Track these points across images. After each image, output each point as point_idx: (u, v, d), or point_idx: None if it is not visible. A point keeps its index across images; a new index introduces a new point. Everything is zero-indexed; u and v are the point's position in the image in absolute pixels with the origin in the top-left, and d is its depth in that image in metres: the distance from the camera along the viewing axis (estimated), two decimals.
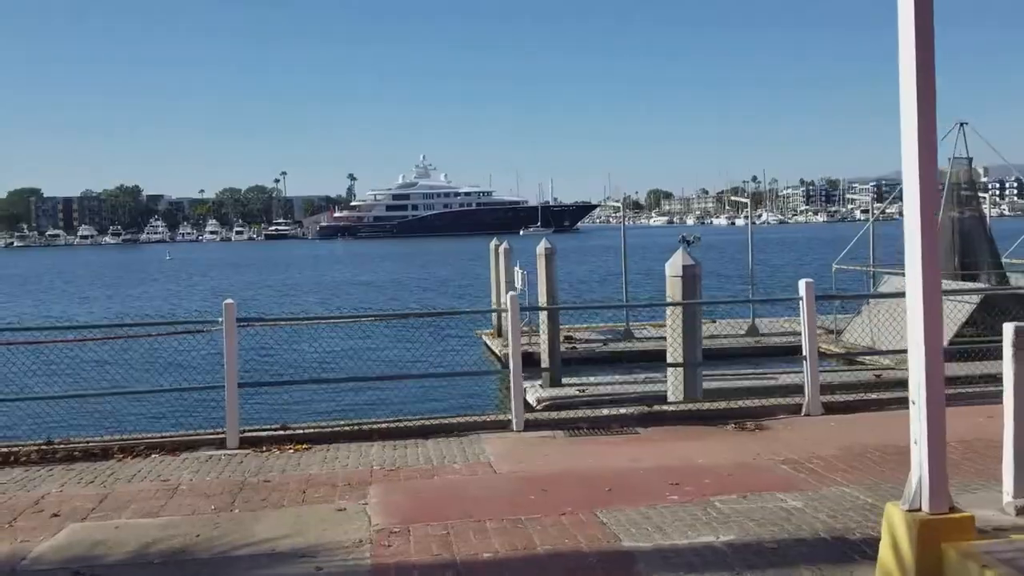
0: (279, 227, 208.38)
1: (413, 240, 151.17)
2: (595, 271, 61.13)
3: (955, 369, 16.32)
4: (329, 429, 8.68)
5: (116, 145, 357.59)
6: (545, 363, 18.86)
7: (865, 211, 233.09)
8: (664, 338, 24.31)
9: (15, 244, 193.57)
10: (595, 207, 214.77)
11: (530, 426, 8.84)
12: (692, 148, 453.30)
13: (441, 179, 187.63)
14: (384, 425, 8.77)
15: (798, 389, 13.31)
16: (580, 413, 8.95)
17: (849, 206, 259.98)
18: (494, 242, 27.82)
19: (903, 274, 20.14)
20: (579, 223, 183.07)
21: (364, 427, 8.68)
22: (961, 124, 22.11)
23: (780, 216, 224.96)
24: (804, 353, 8.93)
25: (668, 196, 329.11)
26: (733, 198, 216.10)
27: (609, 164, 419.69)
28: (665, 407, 8.86)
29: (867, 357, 21.26)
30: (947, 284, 20.91)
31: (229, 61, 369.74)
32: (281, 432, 8.65)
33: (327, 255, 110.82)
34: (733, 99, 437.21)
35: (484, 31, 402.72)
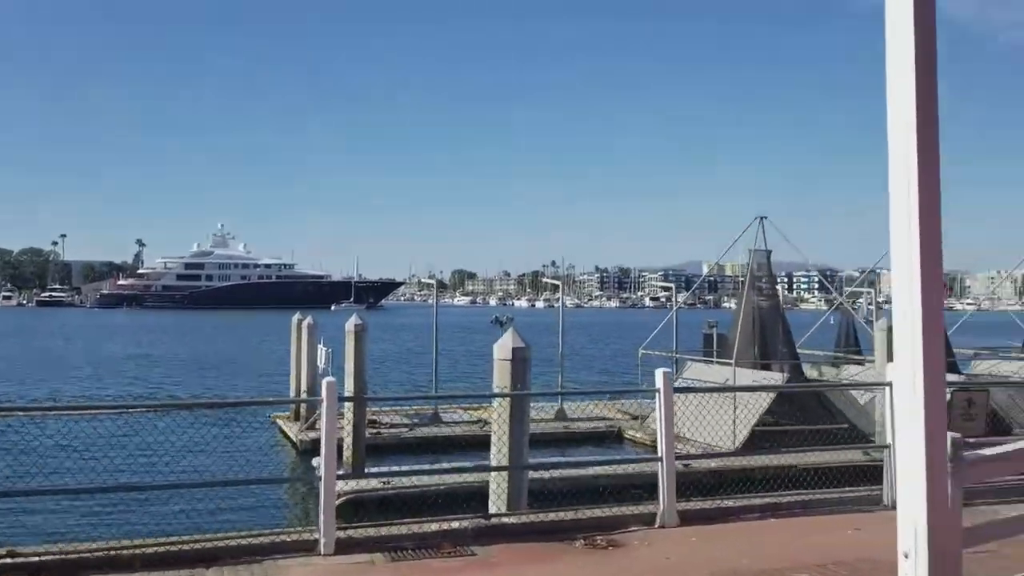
0: (54, 293, 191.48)
1: (206, 312, 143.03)
2: (401, 350, 59.67)
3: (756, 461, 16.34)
4: (75, 555, 6.65)
5: None
6: (348, 451, 17.25)
7: (655, 298, 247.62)
8: (477, 422, 23.57)
9: None
10: (400, 284, 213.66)
11: (342, 547, 7.22)
12: (495, 231, 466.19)
13: (240, 249, 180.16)
14: (151, 549, 6.85)
15: (624, 481, 12.41)
16: (404, 529, 7.39)
17: (639, 293, 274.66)
18: (296, 317, 25.90)
19: (705, 361, 19.90)
20: (384, 300, 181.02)
21: (123, 552, 6.73)
22: (761, 218, 22.98)
23: (577, 300, 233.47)
24: (660, 454, 7.96)
25: (472, 276, 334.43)
26: (544, 279, 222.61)
27: (414, 243, 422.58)
28: (505, 519, 7.51)
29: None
30: (764, 374, 21.35)
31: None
32: (7, 560, 6.58)
33: (105, 325, 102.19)
34: (536, 185, 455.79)
35: (297, 104, 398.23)
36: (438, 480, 16.50)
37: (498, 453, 8.98)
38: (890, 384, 8.14)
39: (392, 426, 22.99)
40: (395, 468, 17.31)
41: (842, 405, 21.15)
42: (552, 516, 7.78)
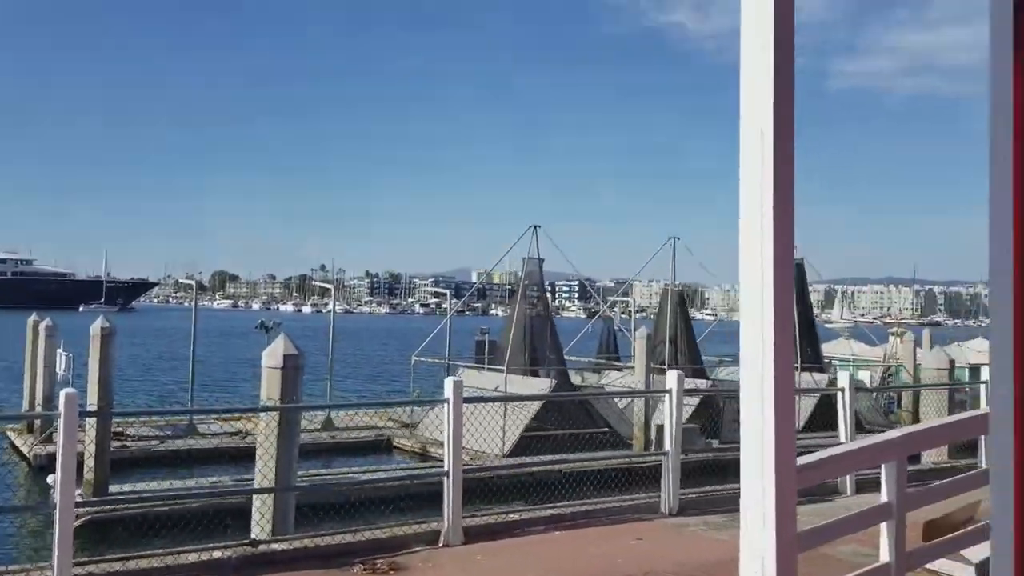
0: None
1: None
2: (153, 356, 55.68)
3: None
4: None
5: None
6: (89, 467, 15.60)
7: (425, 305, 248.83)
8: (236, 433, 22.24)
9: None
10: (154, 285, 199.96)
11: None
12: (259, 232, 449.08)
13: None
14: None
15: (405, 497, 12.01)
16: (156, 561, 6.39)
17: (410, 299, 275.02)
18: (32, 318, 23.25)
19: (477, 367, 19.94)
20: (136, 302, 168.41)
21: None
22: (535, 227, 23.51)
23: (346, 305, 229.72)
24: (446, 468, 7.44)
25: (234, 279, 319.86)
26: (316, 283, 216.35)
27: (171, 242, 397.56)
28: (275, 546, 6.72)
29: (439, 451, 21.23)
30: (533, 381, 21.73)
31: None
32: None
33: None
34: (297, 188, 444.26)
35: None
36: (190, 499, 15.32)
37: (264, 469, 8.16)
38: (669, 392, 8.29)
39: (141, 438, 21.19)
40: (142, 486, 15.93)
41: (603, 410, 22.06)
42: (327, 540, 7.07)
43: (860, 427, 24.90)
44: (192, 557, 6.46)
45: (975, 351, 29.45)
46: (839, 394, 10.80)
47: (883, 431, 25.46)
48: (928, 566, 4.39)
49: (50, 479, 16.05)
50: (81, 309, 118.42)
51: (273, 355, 8.43)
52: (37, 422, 21.54)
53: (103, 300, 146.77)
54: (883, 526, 3.86)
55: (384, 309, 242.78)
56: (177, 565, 6.41)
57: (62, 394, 6.26)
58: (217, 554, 6.49)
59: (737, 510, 7.57)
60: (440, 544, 7.36)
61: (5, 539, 14.22)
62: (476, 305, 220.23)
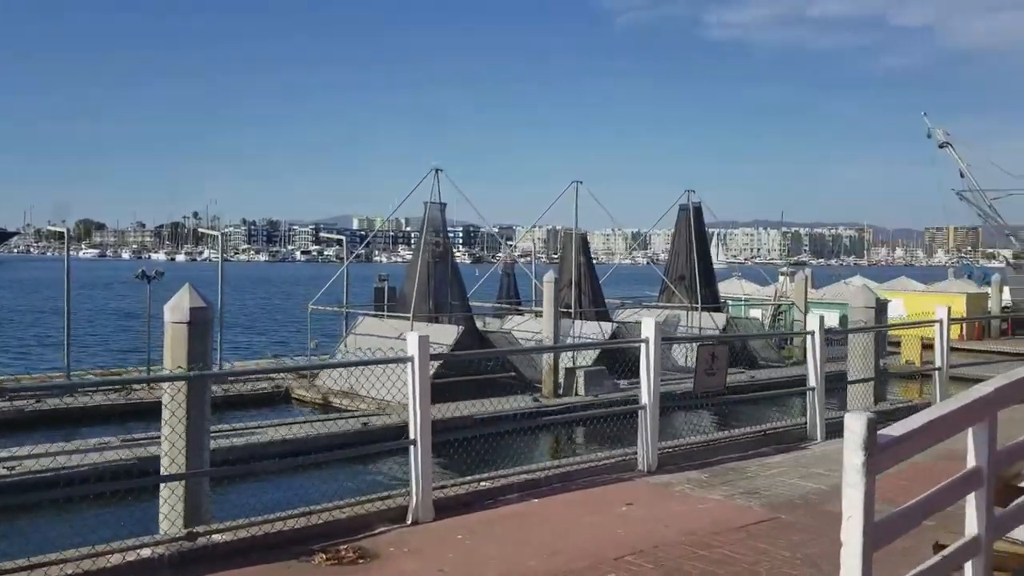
0: None
1: None
2: (18, 308, 51.95)
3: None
4: None
5: None
6: None
7: (305, 252, 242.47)
8: (120, 390, 20.65)
9: None
10: (13, 235, 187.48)
11: None
12: (129, 179, 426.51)
13: None
14: None
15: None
16: (69, 568, 5.12)
17: (290, 247, 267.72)
18: None
19: (378, 315, 18.89)
20: None
21: None
22: (436, 171, 22.55)
23: (224, 254, 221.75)
24: (412, 436, 6.44)
25: (101, 228, 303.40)
26: (202, 230, 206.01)
27: (30, 188, 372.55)
28: (216, 537, 5.55)
29: (343, 402, 20.35)
30: (438, 327, 20.89)
31: None
32: None
33: None
34: (167, 129, 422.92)
35: None
36: (77, 461, 14.01)
37: (172, 452, 6.56)
38: (647, 341, 7.60)
39: (12, 398, 19.39)
40: (14, 451, 14.47)
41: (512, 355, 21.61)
42: (278, 525, 5.95)
43: (754, 363, 25.47)
44: (116, 559, 5.25)
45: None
46: (808, 338, 10.26)
47: (777, 367, 26.00)
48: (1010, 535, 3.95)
49: None
50: None
51: (178, 308, 7.21)
52: None
53: None
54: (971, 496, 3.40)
55: (263, 257, 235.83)
56: (97, 570, 5.13)
57: None
58: (146, 552, 5.36)
59: (715, 464, 7.08)
60: (408, 522, 6.42)
61: None
62: (360, 252, 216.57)
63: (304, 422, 18.06)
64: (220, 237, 26.16)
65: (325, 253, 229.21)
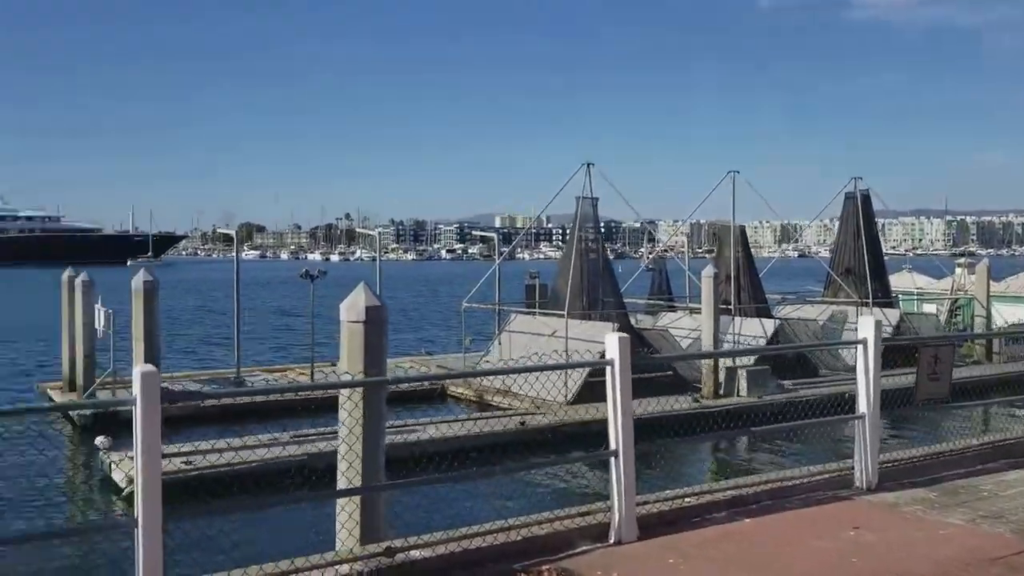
0: None
1: None
2: (190, 308, 55.18)
3: None
4: None
5: None
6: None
7: (450, 250, 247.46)
8: (293, 385, 21.30)
9: None
10: (182, 238, 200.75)
11: None
12: (286, 183, 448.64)
13: None
14: None
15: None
16: (264, 567, 4.97)
17: (436, 245, 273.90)
18: (68, 273, 22.29)
19: (530, 312, 18.19)
20: (164, 255, 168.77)
21: None
22: (588, 165, 22.10)
23: (372, 253, 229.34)
24: (613, 446, 5.85)
25: (261, 230, 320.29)
26: (359, 230, 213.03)
27: (198, 196, 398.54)
28: (414, 553, 5.29)
29: (500, 400, 20.22)
30: (594, 324, 20.35)
31: None
32: None
33: None
34: (326, 136, 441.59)
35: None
36: (250, 456, 14.43)
37: (349, 456, 6.25)
38: (863, 342, 6.83)
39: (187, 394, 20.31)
40: (196, 444, 15.06)
41: (665, 352, 20.88)
42: (477, 542, 5.51)
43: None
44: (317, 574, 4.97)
45: None
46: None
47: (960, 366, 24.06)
48: None
49: (98, 441, 15.25)
50: (129, 263, 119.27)
51: (353, 307, 6.94)
52: (79, 379, 20.78)
53: (151, 253, 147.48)
54: None
55: (411, 256, 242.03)
56: None
57: (139, 371, 4.70)
58: (345, 569, 5.03)
59: (941, 481, 6.17)
60: (611, 541, 5.81)
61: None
62: (503, 250, 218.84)
63: (463, 420, 18.00)
64: (377, 236, 26.65)
65: (470, 251, 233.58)
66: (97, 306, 20.92)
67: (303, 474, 11.95)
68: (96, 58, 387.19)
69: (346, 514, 6.10)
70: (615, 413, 5.72)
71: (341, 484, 6.31)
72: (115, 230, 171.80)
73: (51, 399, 21.45)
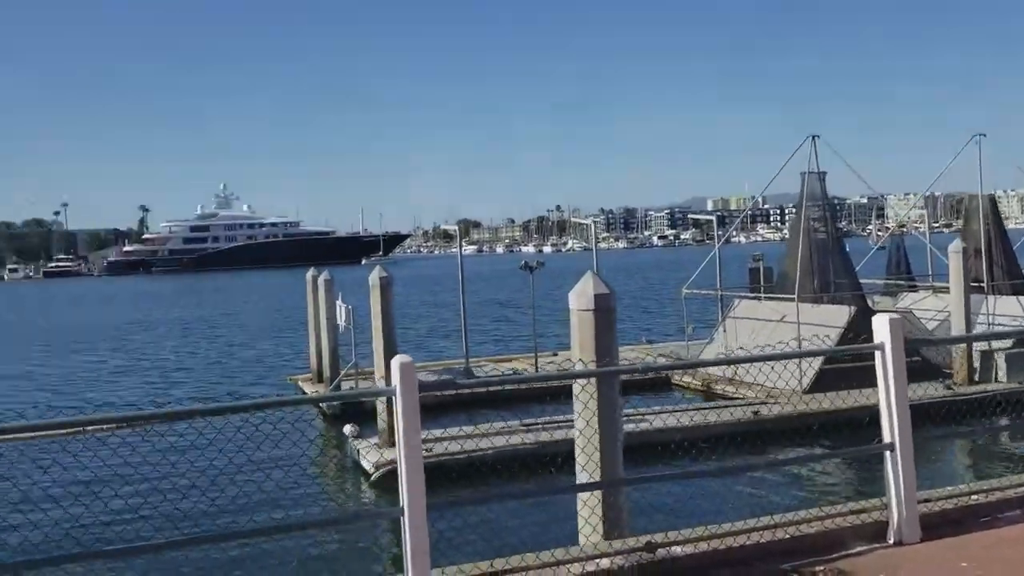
0: (60, 263, 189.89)
1: (214, 274, 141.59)
2: (417, 303, 57.97)
3: None
4: None
5: None
6: (381, 413, 15.59)
7: (662, 237, 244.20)
8: (516, 373, 21.87)
9: None
10: (406, 237, 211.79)
11: None
12: (493, 178, 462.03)
13: (244, 209, 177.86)
14: None
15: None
16: (526, 558, 5.04)
17: (647, 232, 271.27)
18: (311, 272, 24.09)
19: (754, 297, 17.23)
20: (391, 253, 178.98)
21: None
22: (813, 137, 20.93)
23: (584, 243, 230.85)
24: (888, 439, 5.44)
25: (476, 225, 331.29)
26: (575, 220, 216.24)
27: (415, 197, 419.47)
28: (675, 549, 5.22)
29: (726, 389, 19.60)
30: (828, 309, 19.26)
31: None
32: None
33: (116, 293, 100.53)
34: (530, 126, 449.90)
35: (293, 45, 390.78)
36: (485, 443, 14.85)
37: (588, 463, 6.13)
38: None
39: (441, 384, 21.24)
40: (435, 432, 15.72)
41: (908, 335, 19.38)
42: (742, 539, 5.22)
43: None
44: (575, 568, 4.92)
45: None
46: None
47: None
48: None
49: (346, 429, 16.32)
50: (364, 262, 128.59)
51: (583, 295, 6.90)
52: (326, 371, 22.37)
53: (381, 252, 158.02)
54: None
55: (622, 244, 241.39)
56: None
57: (397, 362, 4.69)
58: (605, 563, 4.94)
59: None
60: (890, 541, 5.33)
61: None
62: (720, 233, 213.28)
63: (694, 410, 17.65)
64: (592, 225, 26.62)
65: (682, 237, 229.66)
66: (338, 302, 22.43)
67: (539, 462, 12.21)
68: (342, 74, 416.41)
69: (588, 509, 6.07)
70: (889, 402, 5.27)
71: (581, 478, 6.29)
72: (347, 233, 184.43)
73: (302, 391, 23.29)
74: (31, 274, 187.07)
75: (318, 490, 14.97)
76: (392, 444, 15.37)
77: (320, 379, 22.87)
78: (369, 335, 17.22)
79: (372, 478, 14.61)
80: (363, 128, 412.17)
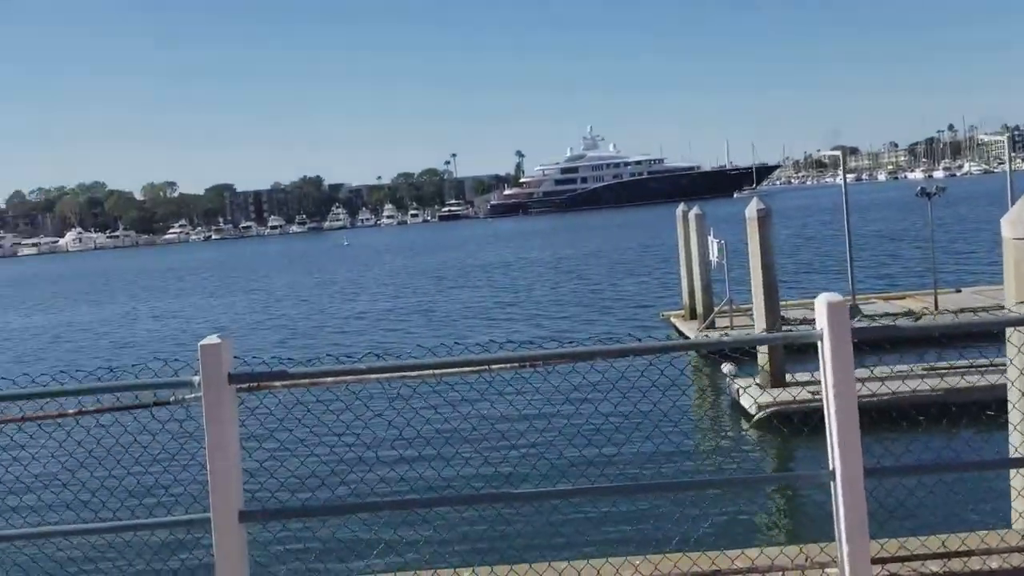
0: (452, 208, 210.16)
1: (583, 214, 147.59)
2: (794, 236, 55.27)
3: None
4: None
5: (298, 137, 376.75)
6: (763, 353, 14.73)
7: None
8: (905, 314, 19.68)
9: (213, 237, 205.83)
10: (775, 168, 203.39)
11: None
12: (870, 98, 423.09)
13: (610, 149, 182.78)
14: None
15: None
16: (962, 543, 4.21)
17: None
18: (681, 208, 23.60)
19: None
20: (758, 186, 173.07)
21: None
22: None
23: (985, 165, 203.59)
24: None
25: (854, 152, 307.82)
26: (983, 136, 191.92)
27: (780, 121, 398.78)
28: None
29: None
30: None
31: (396, 46, 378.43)
32: None
33: (496, 233, 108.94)
34: (931, 42, 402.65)
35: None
36: (870, 388, 13.36)
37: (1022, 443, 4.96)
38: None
39: (804, 321, 19.95)
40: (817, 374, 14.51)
41: None
42: None
43: None
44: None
45: None
46: None
47: None
48: None
49: (725, 368, 15.72)
50: (735, 196, 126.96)
51: (1018, 222, 5.56)
52: (699, 307, 21.90)
53: (754, 184, 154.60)
54: None
55: None
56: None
57: (824, 300, 3.95)
58: None
59: None
60: None
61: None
62: None
63: None
64: (1007, 141, 22.69)
65: None
66: (710, 237, 21.74)
67: (942, 411, 10.67)
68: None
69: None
70: None
71: (1014, 440, 5.11)
72: (712, 167, 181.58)
73: (675, 327, 23.10)
74: (428, 218, 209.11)
75: (698, 435, 14.53)
76: (774, 384, 14.53)
77: (693, 315, 22.47)
78: (739, 272, 16.40)
79: (754, 419, 13.94)
80: (727, 62, 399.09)
